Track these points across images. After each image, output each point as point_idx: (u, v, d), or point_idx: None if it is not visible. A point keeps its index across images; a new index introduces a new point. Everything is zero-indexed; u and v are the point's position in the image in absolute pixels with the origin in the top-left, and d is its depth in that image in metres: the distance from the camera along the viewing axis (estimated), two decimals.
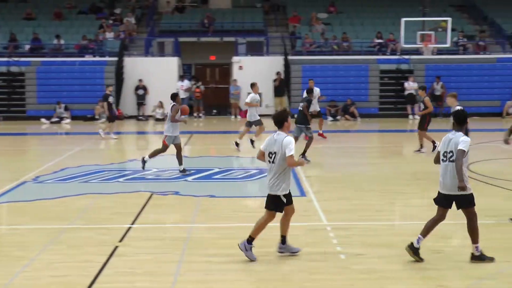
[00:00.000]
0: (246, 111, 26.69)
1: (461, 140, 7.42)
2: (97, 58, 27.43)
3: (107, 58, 27.19)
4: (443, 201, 7.57)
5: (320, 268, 7.47)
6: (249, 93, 17.27)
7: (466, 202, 7.49)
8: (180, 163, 13.42)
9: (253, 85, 16.96)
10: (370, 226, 9.37)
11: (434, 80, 25.97)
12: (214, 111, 27.61)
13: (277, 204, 7.65)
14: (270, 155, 7.64)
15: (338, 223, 9.51)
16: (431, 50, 26.93)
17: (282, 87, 25.96)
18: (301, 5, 31.78)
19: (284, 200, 7.66)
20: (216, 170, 14.00)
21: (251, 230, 7.78)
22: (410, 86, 25.28)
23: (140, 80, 26.44)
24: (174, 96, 13.37)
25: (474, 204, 7.51)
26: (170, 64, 27.15)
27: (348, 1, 32.67)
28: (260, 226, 7.75)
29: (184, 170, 13.40)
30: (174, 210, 10.45)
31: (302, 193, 11.64)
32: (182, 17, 30.75)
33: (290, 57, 26.80)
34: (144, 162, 13.55)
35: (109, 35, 28.45)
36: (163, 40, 28.51)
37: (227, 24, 29.79)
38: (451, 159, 7.47)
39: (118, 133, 21.42)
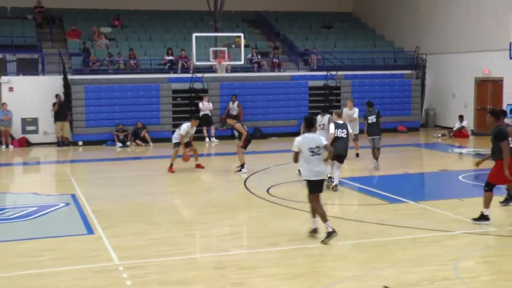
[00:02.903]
0: (21, 139, 25.48)
1: (322, 138, 10.84)
2: None
3: None
4: (318, 187, 10.51)
5: None
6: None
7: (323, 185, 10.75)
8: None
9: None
10: (167, 262, 9.42)
11: (230, 99, 26.98)
12: None
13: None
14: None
15: (132, 261, 9.43)
16: (225, 67, 27.96)
17: (63, 111, 25.17)
18: (81, 18, 31.24)
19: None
20: None
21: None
22: (205, 106, 25.99)
23: None
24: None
25: None
26: None
27: (135, 14, 32.84)
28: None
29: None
30: None
31: (90, 231, 11.39)
32: None
33: (70, 77, 26.12)
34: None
35: None
36: None
37: None
38: (318, 153, 10.42)
39: None
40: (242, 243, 10.76)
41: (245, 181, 16.34)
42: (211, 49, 26.48)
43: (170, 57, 28.15)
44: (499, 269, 8.89)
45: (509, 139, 11.33)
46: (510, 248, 10.12)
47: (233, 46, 27.18)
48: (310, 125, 10.82)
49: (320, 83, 28.67)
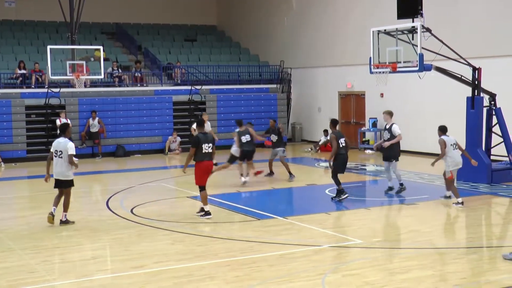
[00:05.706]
0: None
1: (69, 147, 13.14)
2: None
3: None
4: (57, 184, 13.39)
5: None
6: None
7: (69, 184, 13.44)
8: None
9: None
10: None
11: (89, 116, 26.46)
12: None
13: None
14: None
15: None
16: (83, 82, 27.34)
17: None
18: None
19: None
20: None
21: None
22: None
23: None
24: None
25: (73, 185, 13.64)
26: None
27: None
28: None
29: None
30: None
31: None
32: None
33: None
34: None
35: None
36: None
37: None
38: (60, 156, 13.12)
39: None
40: (106, 267, 10.57)
41: (107, 202, 16.08)
42: (68, 62, 25.81)
43: (23, 71, 27.22)
44: (364, 281, 9.30)
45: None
46: (374, 259, 10.62)
47: (92, 59, 26.70)
48: (65, 132, 13.46)
49: (184, 98, 28.79)
